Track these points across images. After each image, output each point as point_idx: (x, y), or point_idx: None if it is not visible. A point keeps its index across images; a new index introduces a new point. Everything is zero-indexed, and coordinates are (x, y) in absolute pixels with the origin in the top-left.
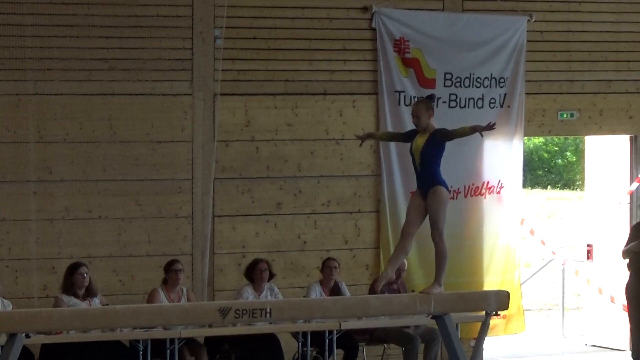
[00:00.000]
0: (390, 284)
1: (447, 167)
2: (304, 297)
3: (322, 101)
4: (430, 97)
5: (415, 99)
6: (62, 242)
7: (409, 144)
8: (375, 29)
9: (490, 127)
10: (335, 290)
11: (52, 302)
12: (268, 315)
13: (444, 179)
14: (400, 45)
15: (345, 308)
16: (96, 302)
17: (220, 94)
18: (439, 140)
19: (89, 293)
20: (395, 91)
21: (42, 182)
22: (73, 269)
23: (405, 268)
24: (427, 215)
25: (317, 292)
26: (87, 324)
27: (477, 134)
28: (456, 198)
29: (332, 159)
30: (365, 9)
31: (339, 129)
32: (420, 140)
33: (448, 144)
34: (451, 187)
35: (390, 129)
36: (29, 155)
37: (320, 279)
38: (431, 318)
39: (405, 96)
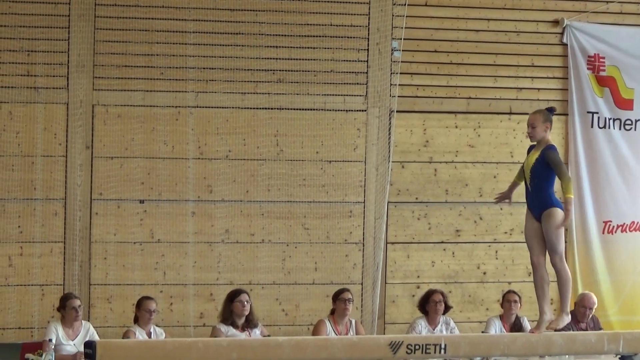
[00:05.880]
0: (578, 323)
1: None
2: (482, 332)
3: (507, 121)
4: (550, 110)
5: (610, 120)
6: (221, 267)
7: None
8: (566, 44)
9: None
10: (517, 326)
11: (208, 331)
12: (443, 351)
13: (558, 199)
14: (594, 63)
15: (526, 346)
16: (256, 333)
17: (397, 111)
18: (546, 161)
19: (249, 323)
20: (588, 112)
21: (201, 202)
22: (233, 297)
23: (595, 304)
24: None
25: (496, 328)
26: (247, 356)
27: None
28: None
29: None
30: (556, 22)
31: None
32: (532, 157)
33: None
34: None
35: (581, 152)
36: (188, 173)
37: (500, 314)
38: (620, 359)
39: (599, 118)
